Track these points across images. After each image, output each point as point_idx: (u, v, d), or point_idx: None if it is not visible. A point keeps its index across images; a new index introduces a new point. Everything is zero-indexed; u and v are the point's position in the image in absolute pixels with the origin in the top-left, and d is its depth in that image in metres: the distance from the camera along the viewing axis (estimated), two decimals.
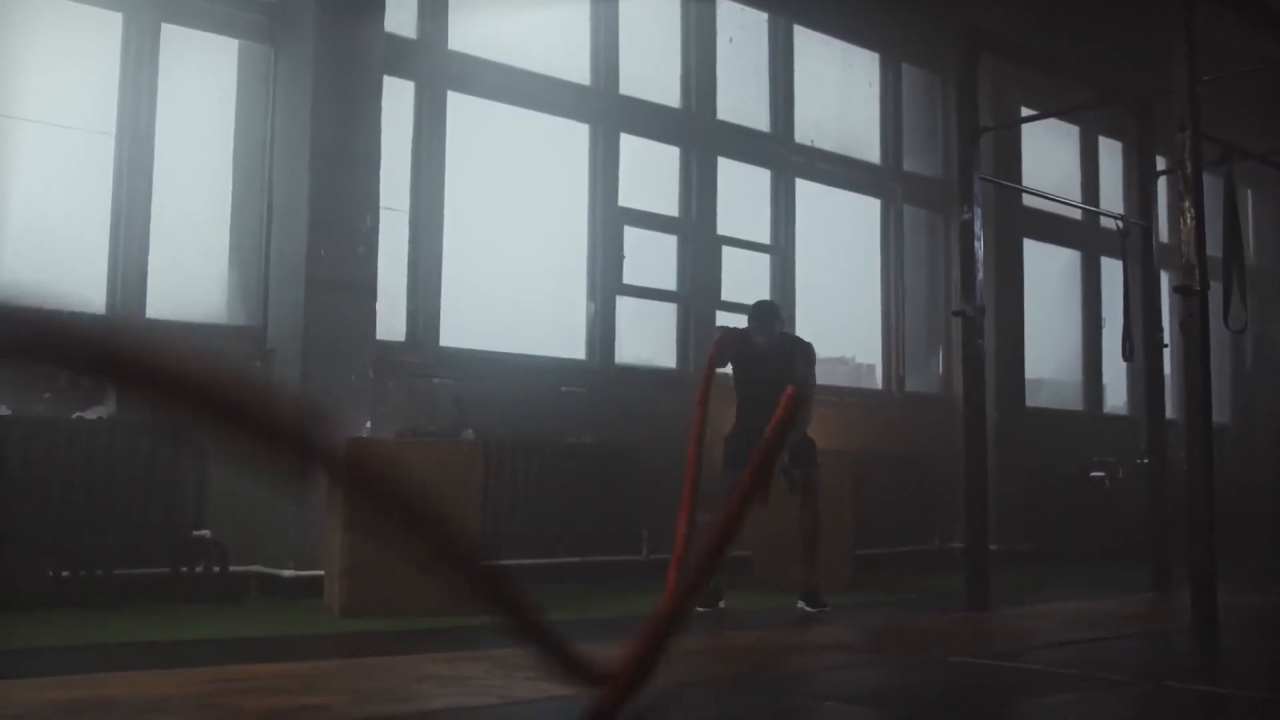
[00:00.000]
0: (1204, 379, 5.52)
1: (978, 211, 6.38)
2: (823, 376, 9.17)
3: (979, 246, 6.38)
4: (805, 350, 6.38)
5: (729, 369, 6.49)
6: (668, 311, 8.55)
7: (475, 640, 4.79)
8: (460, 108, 7.51)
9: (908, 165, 10.28)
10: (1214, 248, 6.96)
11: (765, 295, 8.93)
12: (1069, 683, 4.05)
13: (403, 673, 3.86)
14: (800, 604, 6.16)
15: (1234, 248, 7.13)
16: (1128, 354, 7.59)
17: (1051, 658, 4.71)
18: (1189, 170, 5.58)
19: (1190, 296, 5.52)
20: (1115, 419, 11.61)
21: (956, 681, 4.18)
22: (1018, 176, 9.97)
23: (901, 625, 5.77)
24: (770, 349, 6.31)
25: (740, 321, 6.76)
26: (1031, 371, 10.63)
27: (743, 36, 9.19)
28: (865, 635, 5.40)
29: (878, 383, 10.01)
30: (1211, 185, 7.47)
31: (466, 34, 7.57)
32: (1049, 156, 11.25)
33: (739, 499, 2.49)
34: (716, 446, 6.35)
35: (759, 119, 9.25)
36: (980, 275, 6.39)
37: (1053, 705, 3.65)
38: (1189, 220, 5.55)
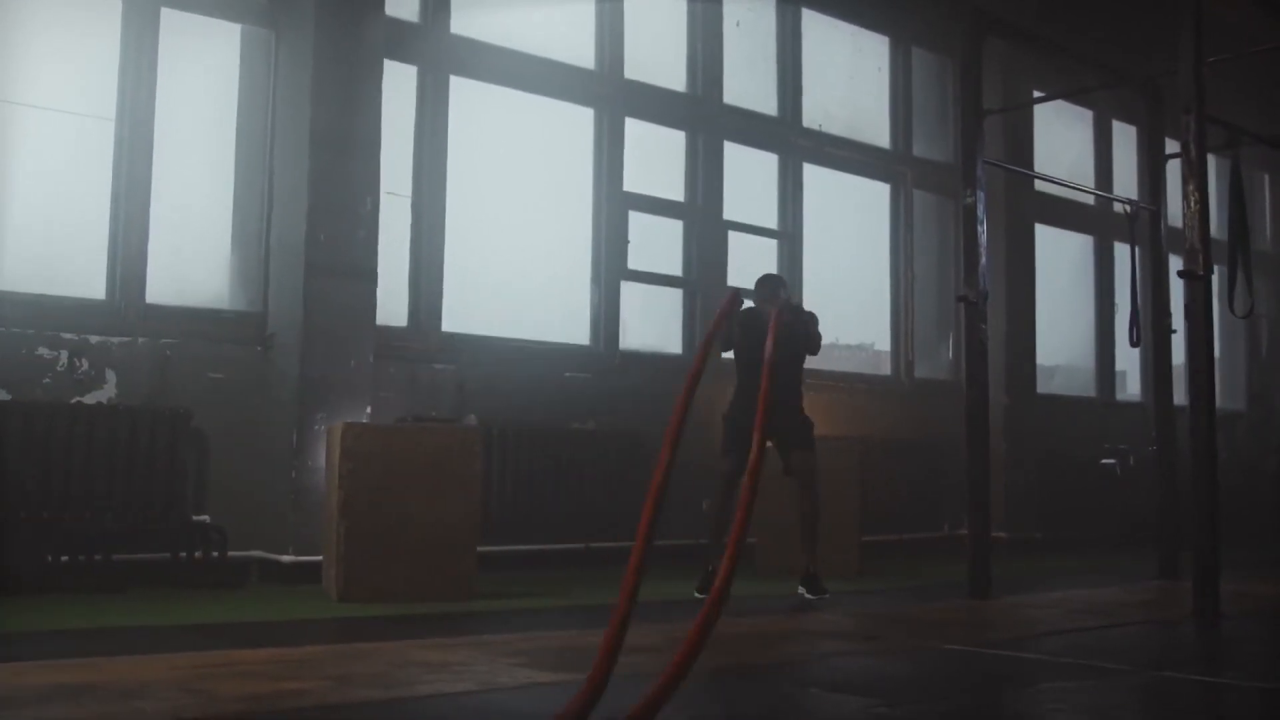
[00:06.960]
0: (1207, 364, 5.45)
1: (981, 195, 6.31)
2: (831, 362, 9.14)
3: (983, 231, 6.30)
4: (809, 314, 6.39)
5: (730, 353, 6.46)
6: (673, 297, 8.51)
7: (467, 626, 4.79)
8: (463, 92, 7.48)
9: (918, 150, 10.19)
10: (1223, 232, 6.91)
11: None
12: (1064, 671, 4.01)
13: (389, 658, 3.84)
14: (800, 590, 6.12)
15: (1240, 232, 7.05)
16: (1134, 339, 7.53)
17: (1050, 646, 4.67)
18: (1193, 153, 5.51)
19: (1194, 281, 5.45)
20: (1128, 406, 11.51)
21: (949, 670, 4.14)
22: (1030, 161, 9.87)
23: (901, 613, 5.73)
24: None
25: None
26: (1045, 358, 10.56)
27: (750, 20, 9.12)
28: (862, 622, 5.36)
29: (887, 369, 9.95)
30: (1223, 169, 7.40)
31: (469, 18, 7.53)
32: (1063, 141, 11.15)
33: None
34: (711, 429, 6.33)
35: (766, 103, 9.19)
36: (984, 260, 6.31)
37: (1045, 693, 3.61)
38: (1193, 204, 5.48)
